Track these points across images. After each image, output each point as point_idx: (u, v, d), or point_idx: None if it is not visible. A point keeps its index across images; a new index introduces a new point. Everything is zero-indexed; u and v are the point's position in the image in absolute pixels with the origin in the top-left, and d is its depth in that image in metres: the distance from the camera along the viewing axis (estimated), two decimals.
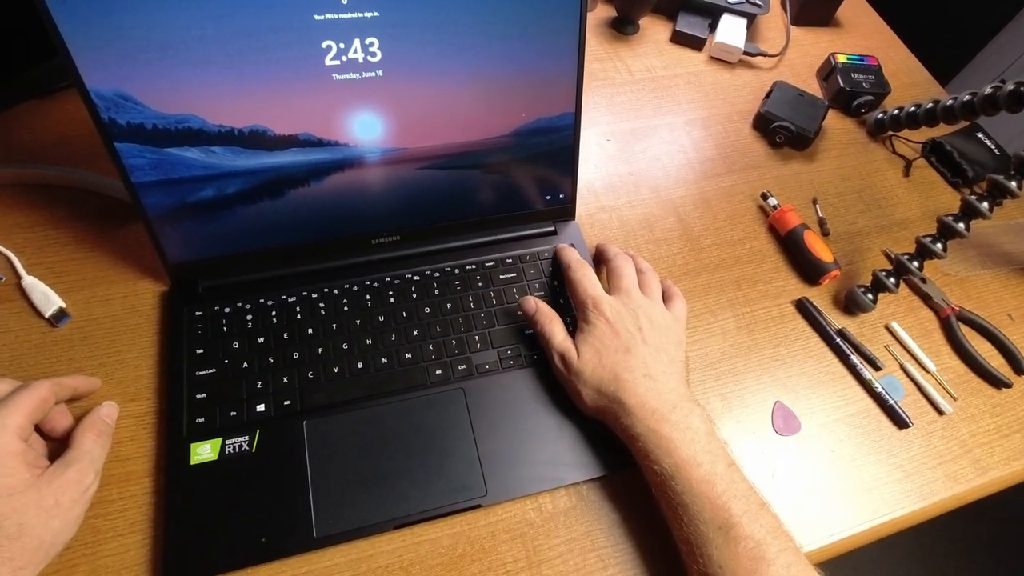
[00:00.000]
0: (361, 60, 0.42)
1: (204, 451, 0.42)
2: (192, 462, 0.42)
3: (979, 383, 0.54)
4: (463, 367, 0.48)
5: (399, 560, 0.41)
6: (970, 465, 0.50)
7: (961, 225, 0.51)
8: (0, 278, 0.48)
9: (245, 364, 0.46)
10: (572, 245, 0.54)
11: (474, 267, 0.53)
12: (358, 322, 0.49)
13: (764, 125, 0.67)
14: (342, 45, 0.41)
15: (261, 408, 0.44)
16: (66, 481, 0.36)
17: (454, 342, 0.49)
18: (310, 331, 0.48)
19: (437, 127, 0.47)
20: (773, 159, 0.67)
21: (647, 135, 0.67)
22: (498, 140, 0.49)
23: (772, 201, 0.61)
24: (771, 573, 0.36)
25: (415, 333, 0.49)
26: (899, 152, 0.70)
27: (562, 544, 0.43)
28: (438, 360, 0.48)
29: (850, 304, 0.56)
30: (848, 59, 0.72)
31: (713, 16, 0.76)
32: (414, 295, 0.51)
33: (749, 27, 0.75)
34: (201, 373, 0.45)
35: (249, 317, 0.48)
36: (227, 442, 0.43)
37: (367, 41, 0.41)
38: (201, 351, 0.46)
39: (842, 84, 0.70)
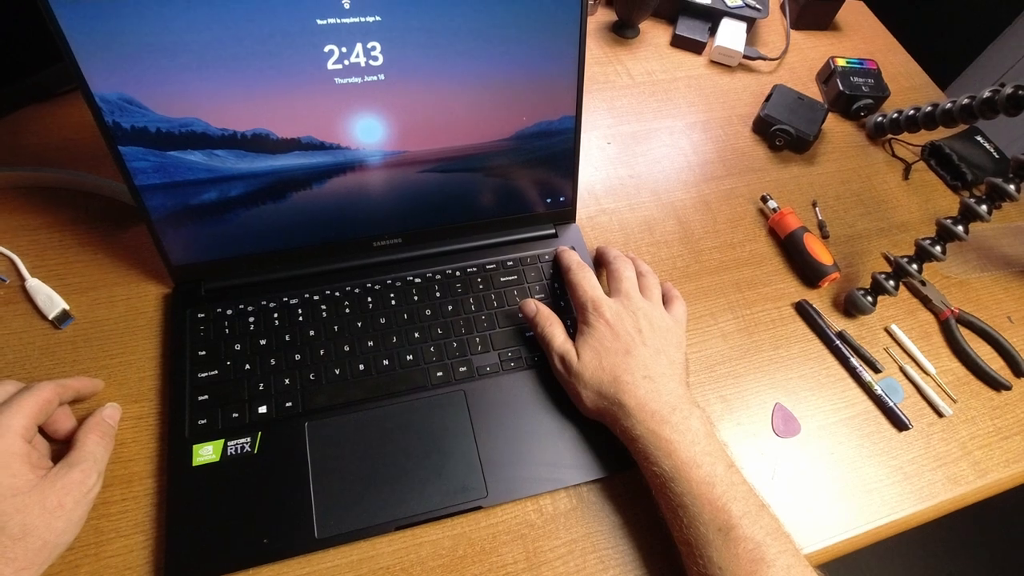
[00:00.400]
0: (363, 64, 0.42)
1: (206, 452, 0.42)
2: (194, 463, 0.42)
3: (979, 385, 0.54)
4: (464, 369, 0.48)
5: (400, 561, 0.41)
6: (970, 467, 0.50)
7: (960, 228, 0.52)
8: (4, 280, 0.49)
9: (247, 366, 0.46)
10: (572, 248, 0.54)
11: (475, 269, 0.53)
12: (359, 324, 0.49)
13: (764, 128, 0.68)
14: (344, 49, 0.41)
15: (263, 410, 0.45)
16: (69, 482, 0.36)
17: (455, 344, 0.49)
18: (312, 333, 0.48)
19: (438, 131, 0.47)
20: (773, 162, 0.67)
21: (647, 138, 0.67)
22: (499, 144, 0.49)
23: (772, 204, 0.61)
24: (771, 575, 0.36)
25: (416, 335, 0.49)
26: (898, 155, 0.70)
27: (562, 545, 0.43)
28: (439, 362, 0.48)
29: (850, 306, 0.56)
30: (847, 63, 0.72)
31: (713, 20, 0.76)
32: (415, 297, 0.51)
33: (749, 31, 0.75)
34: (203, 375, 0.45)
35: (251, 319, 0.48)
36: (229, 443, 0.43)
37: (369, 45, 0.42)
38: (203, 353, 0.46)
39: (841, 88, 0.70)
